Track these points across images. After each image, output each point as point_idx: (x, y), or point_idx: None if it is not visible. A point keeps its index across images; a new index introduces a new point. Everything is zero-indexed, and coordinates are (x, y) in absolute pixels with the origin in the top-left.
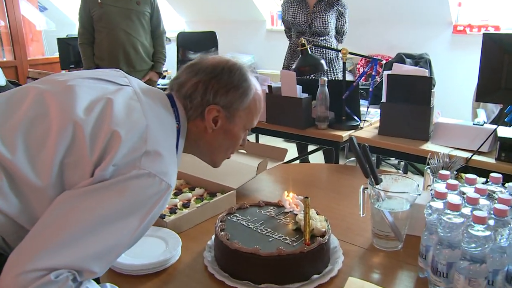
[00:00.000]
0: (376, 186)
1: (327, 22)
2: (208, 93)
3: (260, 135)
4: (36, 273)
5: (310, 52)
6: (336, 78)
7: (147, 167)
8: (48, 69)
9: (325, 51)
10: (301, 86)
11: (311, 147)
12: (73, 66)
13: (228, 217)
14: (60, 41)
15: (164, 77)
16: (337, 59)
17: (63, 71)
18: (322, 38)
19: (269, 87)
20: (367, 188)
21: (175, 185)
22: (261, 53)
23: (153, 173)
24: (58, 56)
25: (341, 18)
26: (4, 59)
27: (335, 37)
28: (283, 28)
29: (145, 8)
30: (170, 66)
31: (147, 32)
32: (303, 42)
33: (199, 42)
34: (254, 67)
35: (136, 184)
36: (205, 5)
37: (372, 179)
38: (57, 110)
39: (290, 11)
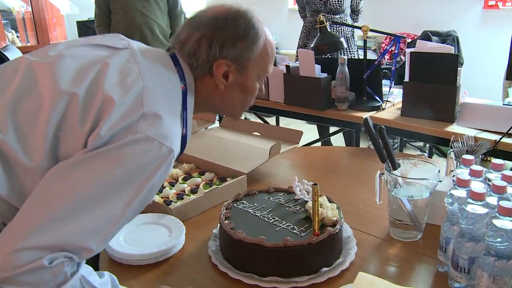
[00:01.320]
0: (393, 172)
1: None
2: (213, 47)
3: (280, 117)
4: (28, 252)
5: (328, 30)
6: (352, 57)
7: (144, 131)
8: None
9: (341, 29)
10: (319, 66)
11: (332, 129)
12: None
13: (234, 204)
14: (80, 24)
15: None
16: (353, 38)
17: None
18: (338, 16)
19: (287, 66)
20: (383, 173)
21: (178, 151)
22: (283, 33)
23: (151, 137)
24: None
25: None
26: (28, 44)
27: (350, 15)
28: None
29: None
30: None
31: (164, 13)
32: (322, 19)
33: None
34: (277, 47)
35: (132, 149)
36: None
37: (389, 164)
38: (48, 82)
39: None
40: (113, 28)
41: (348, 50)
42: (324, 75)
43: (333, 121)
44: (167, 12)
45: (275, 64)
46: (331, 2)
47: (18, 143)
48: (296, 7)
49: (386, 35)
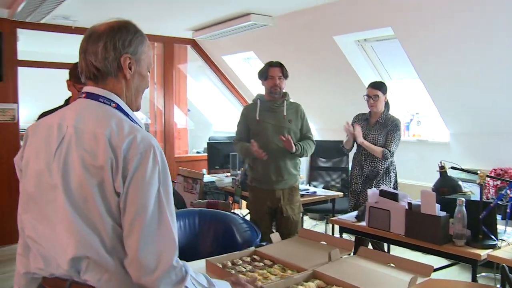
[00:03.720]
0: None
1: (376, 139)
2: (117, 46)
3: (392, 247)
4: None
5: (448, 174)
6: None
7: None
8: (189, 166)
9: (376, 161)
10: (439, 205)
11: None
12: (218, 167)
13: None
14: (210, 145)
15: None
16: (388, 171)
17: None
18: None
19: (409, 204)
20: None
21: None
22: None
23: None
24: (198, 154)
25: (389, 135)
26: None
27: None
28: (411, 138)
29: (296, 125)
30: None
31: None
32: (443, 164)
33: (329, 150)
34: None
35: None
36: (334, 114)
37: None
38: None
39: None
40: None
41: (383, 183)
42: (443, 213)
43: (450, 255)
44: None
45: (397, 200)
46: (367, 140)
47: None
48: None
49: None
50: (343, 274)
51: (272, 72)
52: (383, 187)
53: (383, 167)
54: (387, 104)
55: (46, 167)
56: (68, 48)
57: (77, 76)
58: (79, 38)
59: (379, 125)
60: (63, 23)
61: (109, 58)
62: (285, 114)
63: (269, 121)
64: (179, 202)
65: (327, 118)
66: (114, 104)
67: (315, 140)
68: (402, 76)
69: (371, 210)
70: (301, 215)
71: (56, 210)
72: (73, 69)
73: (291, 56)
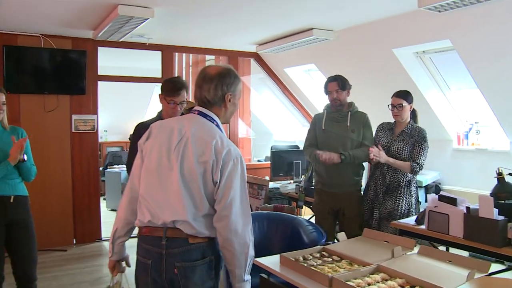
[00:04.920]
0: None
1: (401, 149)
2: (223, 87)
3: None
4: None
5: (506, 180)
6: (404, 202)
7: None
8: (252, 174)
9: (399, 172)
10: (497, 209)
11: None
12: (282, 174)
13: None
14: (274, 153)
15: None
16: (409, 185)
17: None
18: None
19: (467, 208)
20: None
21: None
22: (446, 170)
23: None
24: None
25: (416, 147)
26: None
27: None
28: (470, 147)
29: (358, 135)
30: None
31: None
32: (500, 171)
33: None
34: (440, 183)
35: None
36: None
37: None
38: None
39: (378, 134)
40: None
41: (404, 195)
42: (501, 217)
43: (508, 258)
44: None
45: (455, 205)
46: (392, 150)
47: None
48: (461, 147)
49: None
50: (405, 268)
51: (330, 87)
52: (402, 201)
53: (405, 180)
54: (414, 115)
55: (166, 154)
56: (142, 63)
57: (168, 90)
58: (152, 54)
59: (405, 135)
60: (138, 40)
61: (218, 95)
62: (348, 124)
63: (333, 131)
64: None
65: None
66: (215, 123)
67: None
68: (461, 86)
69: (430, 214)
70: (362, 217)
71: (171, 184)
72: (164, 84)
73: (350, 68)
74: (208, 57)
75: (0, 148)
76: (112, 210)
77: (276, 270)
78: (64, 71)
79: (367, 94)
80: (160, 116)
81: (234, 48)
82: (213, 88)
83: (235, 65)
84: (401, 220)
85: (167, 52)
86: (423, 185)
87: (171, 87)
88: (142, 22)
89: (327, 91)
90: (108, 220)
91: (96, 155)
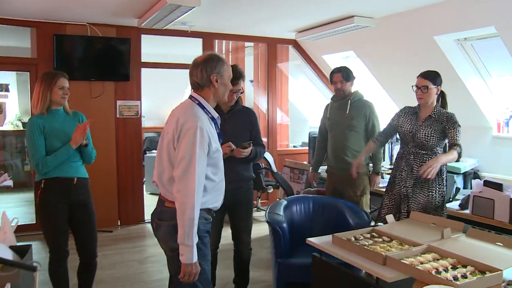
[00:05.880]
0: None
1: (429, 136)
2: (208, 70)
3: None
4: None
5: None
6: (437, 193)
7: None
8: (292, 158)
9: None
10: None
11: None
12: None
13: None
14: (312, 138)
15: (383, 177)
16: (441, 173)
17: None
18: (424, 152)
19: None
20: None
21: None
22: (485, 158)
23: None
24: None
25: (451, 131)
26: None
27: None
28: (510, 135)
29: (359, 122)
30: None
31: (359, 139)
32: None
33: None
34: (479, 170)
35: None
36: None
37: None
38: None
39: (400, 119)
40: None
41: (432, 185)
42: None
43: None
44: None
45: (501, 190)
46: (418, 136)
47: None
48: (501, 134)
49: None
50: (455, 249)
51: (335, 78)
52: (435, 193)
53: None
54: (443, 98)
55: (165, 131)
56: (183, 50)
57: None
58: (193, 41)
59: (432, 121)
60: (181, 28)
61: (204, 77)
62: (347, 112)
63: (336, 118)
64: (289, 190)
65: None
66: (196, 101)
67: None
68: (503, 73)
69: (475, 199)
70: (363, 198)
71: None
72: None
73: (390, 55)
74: (247, 43)
75: (63, 131)
76: (152, 194)
77: (329, 249)
78: (109, 58)
79: (407, 82)
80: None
81: (273, 35)
82: (200, 72)
83: (274, 52)
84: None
85: (208, 39)
86: (461, 172)
87: None
88: (189, 10)
89: (332, 81)
90: (148, 203)
91: (140, 140)
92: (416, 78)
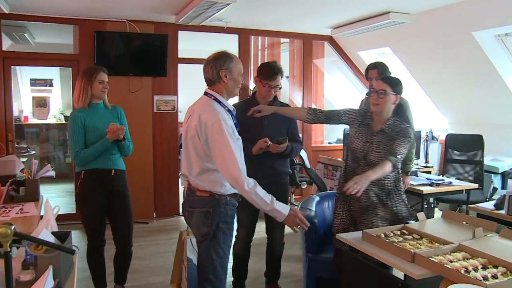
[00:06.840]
0: None
1: (382, 157)
2: (217, 67)
3: None
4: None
5: None
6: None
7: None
8: (327, 155)
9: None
10: None
11: None
12: None
13: None
14: (345, 135)
15: (416, 175)
16: (396, 189)
17: None
18: None
19: None
20: None
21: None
22: None
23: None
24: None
25: (395, 141)
26: None
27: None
28: None
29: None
30: (434, 162)
31: None
32: None
33: (465, 143)
34: None
35: None
36: (472, 109)
37: None
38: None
39: (352, 130)
40: None
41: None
42: None
43: None
44: None
45: None
46: (370, 158)
47: None
48: None
49: None
50: (487, 249)
51: (370, 74)
52: (399, 206)
53: (391, 181)
54: (401, 109)
55: (187, 126)
56: (220, 46)
57: (264, 73)
58: (229, 37)
59: (385, 138)
60: (217, 24)
61: (214, 73)
62: None
63: None
64: (322, 186)
65: (462, 113)
66: (212, 97)
67: (452, 134)
68: None
69: (510, 199)
70: None
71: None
72: (261, 68)
73: (427, 51)
74: (282, 40)
75: (102, 125)
76: None
77: (359, 245)
78: (147, 54)
79: (444, 80)
80: (254, 97)
81: (308, 32)
82: (210, 68)
83: (309, 48)
84: (479, 205)
85: (244, 35)
86: (500, 172)
87: (267, 71)
88: (225, 7)
89: (368, 77)
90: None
91: (176, 134)
92: (375, 80)
